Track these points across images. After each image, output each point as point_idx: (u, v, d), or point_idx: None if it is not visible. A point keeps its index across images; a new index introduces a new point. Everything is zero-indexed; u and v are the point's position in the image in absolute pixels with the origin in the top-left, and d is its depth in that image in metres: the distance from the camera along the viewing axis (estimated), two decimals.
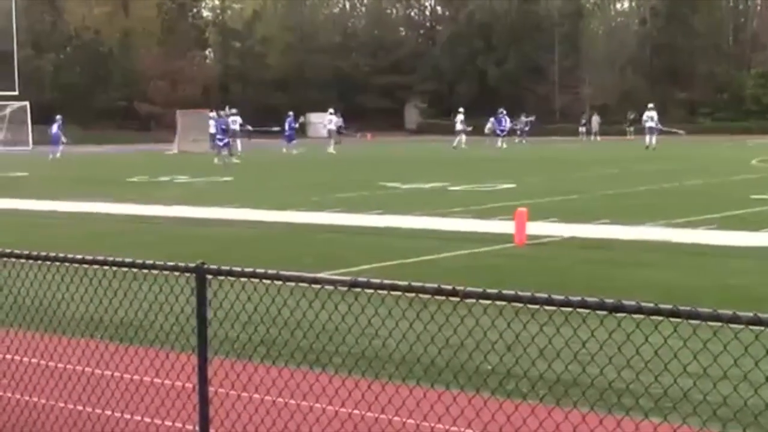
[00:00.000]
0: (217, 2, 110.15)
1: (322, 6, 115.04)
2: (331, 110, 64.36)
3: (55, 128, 57.56)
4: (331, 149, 58.42)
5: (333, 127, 63.06)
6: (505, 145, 62.45)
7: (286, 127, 61.33)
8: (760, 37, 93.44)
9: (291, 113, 62.67)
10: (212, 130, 63.75)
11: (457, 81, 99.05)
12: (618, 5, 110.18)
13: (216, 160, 46.65)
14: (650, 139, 56.66)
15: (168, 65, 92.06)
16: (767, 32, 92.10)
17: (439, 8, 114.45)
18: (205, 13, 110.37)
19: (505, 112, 67.03)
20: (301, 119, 61.51)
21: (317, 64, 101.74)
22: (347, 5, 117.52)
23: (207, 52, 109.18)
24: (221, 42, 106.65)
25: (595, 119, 78.80)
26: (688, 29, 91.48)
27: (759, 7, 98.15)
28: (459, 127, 64.41)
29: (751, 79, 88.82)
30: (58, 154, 55.53)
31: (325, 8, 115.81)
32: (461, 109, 66.21)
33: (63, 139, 57.21)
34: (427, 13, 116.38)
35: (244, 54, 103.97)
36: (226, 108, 54.74)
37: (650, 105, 60.68)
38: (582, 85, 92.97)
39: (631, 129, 78.02)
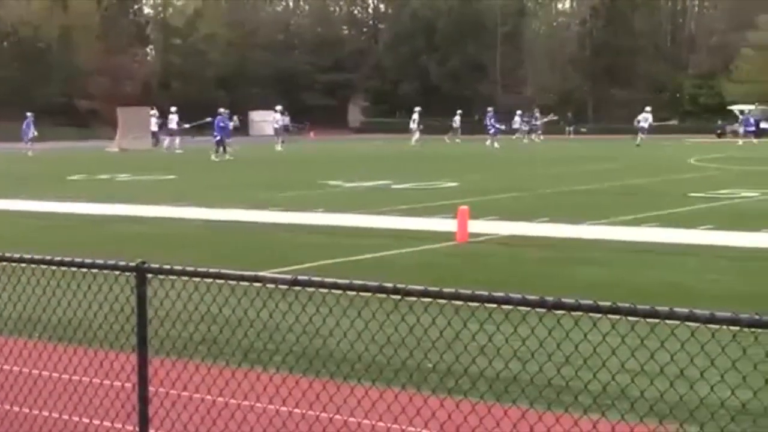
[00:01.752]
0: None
1: (264, 4, 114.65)
2: (279, 108, 64.13)
3: (24, 125, 57.75)
4: (278, 147, 58.26)
5: (279, 125, 62.79)
6: (496, 145, 62.33)
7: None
8: (697, 38, 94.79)
9: (225, 111, 62.45)
10: (154, 128, 63.33)
11: (400, 79, 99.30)
12: (559, 5, 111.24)
13: (213, 157, 46.81)
14: (640, 137, 59.88)
15: (108, 62, 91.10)
16: (704, 34, 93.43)
17: (382, 6, 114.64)
18: (146, 10, 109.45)
19: (492, 111, 67.71)
20: (234, 119, 61.26)
21: (259, 62, 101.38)
22: (290, 3, 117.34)
23: (148, 49, 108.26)
24: (162, 39, 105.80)
25: (520, 117, 79.14)
26: (628, 29, 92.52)
27: (696, 9, 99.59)
28: (413, 125, 64.97)
29: (688, 80, 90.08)
30: (29, 153, 55.27)
31: (268, 6, 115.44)
32: (417, 108, 66.52)
33: (34, 133, 57.67)
34: (370, 11, 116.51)
35: (186, 51, 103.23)
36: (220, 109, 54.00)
37: (647, 108, 63.11)
38: (524, 85, 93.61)
39: (571, 128, 78.67)
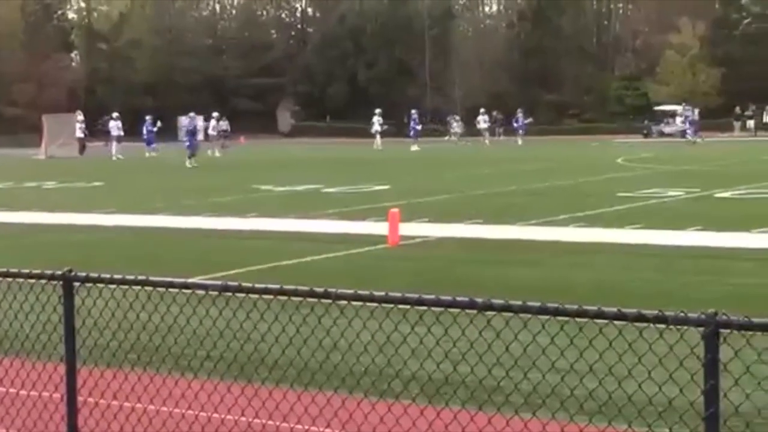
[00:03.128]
0: (82, 4, 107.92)
1: (190, 8, 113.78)
2: (215, 115, 63.63)
3: None
4: (217, 153, 58.03)
5: (214, 132, 62.29)
6: (416, 147, 62.07)
7: (145, 131, 60.70)
8: (622, 40, 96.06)
9: (148, 117, 61.89)
10: (79, 134, 62.42)
11: (329, 83, 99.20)
12: (486, 8, 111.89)
13: (188, 163, 45.69)
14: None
15: (32, 68, 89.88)
16: (629, 35, 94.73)
17: (309, 10, 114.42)
18: (71, 15, 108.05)
19: (416, 113, 67.91)
20: (158, 123, 60.82)
21: (186, 67, 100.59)
22: (217, 7, 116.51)
23: (73, 55, 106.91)
24: (87, 44, 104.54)
25: (457, 120, 79.22)
26: (554, 32, 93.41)
27: (621, 11, 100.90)
28: (376, 128, 64.55)
29: (614, 81, 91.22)
30: None
31: (194, 10, 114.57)
32: (378, 110, 66.15)
33: None
34: (298, 14, 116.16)
35: (112, 57, 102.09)
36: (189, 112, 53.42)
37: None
38: (452, 87, 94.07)
39: (501, 130, 79.13)
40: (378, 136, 63.72)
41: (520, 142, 65.90)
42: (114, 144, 58.29)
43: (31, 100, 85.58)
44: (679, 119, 70.12)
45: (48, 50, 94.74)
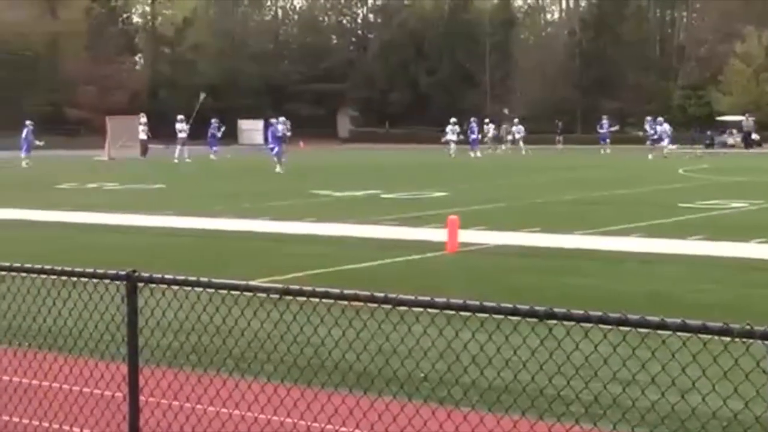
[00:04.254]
0: (147, 8, 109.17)
1: (253, 13, 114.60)
2: (282, 119, 63.93)
3: (24, 133, 57.20)
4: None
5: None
6: (478, 154, 62.26)
7: (210, 133, 61.25)
8: (686, 48, 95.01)
9: (214, 120, 62.33)
10: (142, 136, 63.04)
11: (390, 89, 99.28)
12: (548, 16, 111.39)
13: (279, 169, 44.76)
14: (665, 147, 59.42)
15: (96, 70, 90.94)
16: (693, 44, 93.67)
17: (371, 16, 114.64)
18: (135, 19, 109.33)
19: (474, 120, 67.27)
20: (222, 127, 61.40)
21: (248, 72, 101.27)
22: (279, 13, 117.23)
23: (137, 58, 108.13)
24: (151, 48, 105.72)
25: (518, 129, 78.77)
26: (616, 40, 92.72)
27: (685, 20, 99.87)
28: (450, 137, 63.95)
29: (677, 90, 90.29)
30: (25, 164, 54.79)
31: (257, 15, 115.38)
32: (453, 119, 65.69)
33: (37, 142, 57.28)
34: (359, 21, 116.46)
35: (175, 60, 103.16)
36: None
37: (659, 119, 63.11)
38: (513, 94, 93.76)
39: (560, 138, 78.72)
40: (452, 145, 62.94)
41: (608, 150, 63.65)
42: (178, 147, 58.76)
43: (94, 103, 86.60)
44: (743, 128, 69.43)
45: (112, 53, 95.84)
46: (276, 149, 45.49)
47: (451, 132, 64.35)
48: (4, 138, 76.75)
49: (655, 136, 60.57)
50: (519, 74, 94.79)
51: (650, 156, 55.26)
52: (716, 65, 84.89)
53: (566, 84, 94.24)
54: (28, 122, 58.12)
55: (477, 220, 20.57)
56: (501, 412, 5.54)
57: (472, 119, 68.26)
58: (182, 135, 59.51)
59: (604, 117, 69.16)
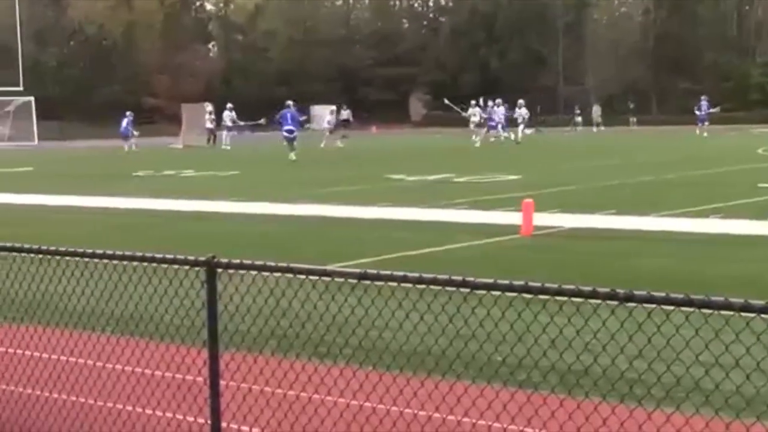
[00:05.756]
0: None
1: None
2: (344, 106, 63.98)
3: (124, 123, 59.30)
4: (338, 143, 58.28)
5: (334, 121, 62.49)
6: (493, 138, 60.52)
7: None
8: (764, 25, 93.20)
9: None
10: (209, 125, 63.57)
11: (461, 72, 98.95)
12: None
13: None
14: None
15: (171, 59, 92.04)
16: None
17: (442, 0, 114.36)
18: (208, 7, 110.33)
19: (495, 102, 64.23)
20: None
21: (320, 58, 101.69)
22: None
23: (210, 46, 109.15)
24: (224, 36, 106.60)
25: (597, 110, 78.34)
26: (691, 18, 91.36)
27: None
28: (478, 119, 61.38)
29: (756, 68, 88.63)
30: (134, 147, 57.03)
31: (328, 1, 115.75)
32: (520, 101, 63.39)
33: (134, 132, 59.26)
34: (430, 4, 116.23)
35: (247, 48, 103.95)
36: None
37: (703, 97, 61.57)
38: (585, 76, 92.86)
39: (634, 119, 77.88)
40: (521, 127, 60.85)
41: (705, 134, 59.60)
42: (225, 133, 59.39)
43: (169, 91, 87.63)
44: None
45: (186, 42, 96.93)
46: (293, 135, 42.98)
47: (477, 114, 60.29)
48: (84, 126, 78.16)
49: (704, 116, 60.25)
50: (591, 55, 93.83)
51: (705, 134, 55.02)
52: None
53: (640, 64, 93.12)
54: (128, 113, 59.83)
55: (551, 203, 20.43)
56: (581, 396, 5.50)
57: (520, 101, 64.92)
58: (228, 123, 60.21)
59: (703, 98, 65.00)
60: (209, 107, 63.83)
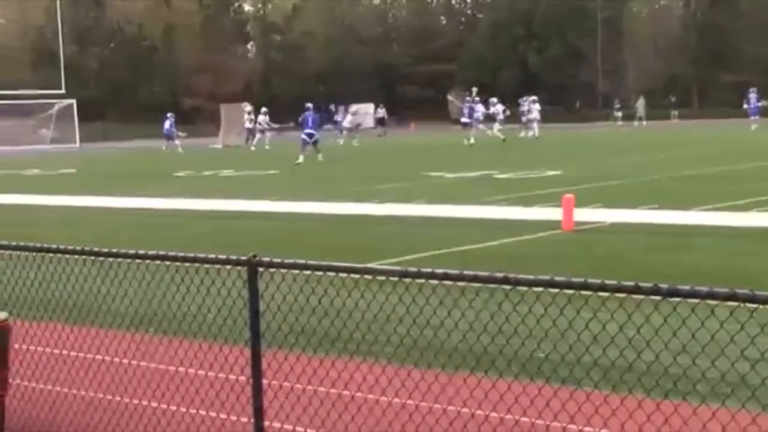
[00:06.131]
0: None
1: None
2: (380, 105, 64.22)
3: (167, 125, 60.10)
4: (354, 143, 58.51)
5: (350, 122, 62.84)
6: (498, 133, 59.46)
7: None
8: None
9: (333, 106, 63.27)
10: (247, 125, 63.89)
11: (499, 69, 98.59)
12: None
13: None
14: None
15: (210, 59, 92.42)
16: None
17: None
18: (247, 7, 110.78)
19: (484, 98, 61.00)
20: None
21: (357, 56, 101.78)
22: None
23: (249, 46, 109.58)
24: (262, 36, 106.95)
25: (641, 103, 77.82)
26: (733, 10, 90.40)
27: None
28: (534, 115, 59.17)
29: None
30: (179, 149, 57.44)
31: (365, 0, 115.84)
32: (533, 97, 62.87)
33: (179, 134, 60.18)
34: (468, 1, 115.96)
35: (285, 48, 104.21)
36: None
37: (752, 89, 60.56)
38: (625, 70, 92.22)
39: (676, 113, 77.27)
40: (535, 124, 58.89)
41: (754, 127, 56.86)
42: (258, 136, 59.86)
43: (208, 91, 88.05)
44: None
45: (224, 42, 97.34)
46: (315, 138, 42.22)
47: (536, 110, 59.55)
48: (125, 127, 78.69)
49: (754, 108, 59.34)
50: (631, 49, 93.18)
51: (753, 127, 54.29)
52: None
53: (681, 58, 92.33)
54: (169, 114, 60.48)
55: (592, 198, 20.33)
56: (624, 392, 5.47)
57: (533, 97, 63.53)
58: (264, 125, 60.63)
59: (752, 90, 62.80)
60: (248, 107, 64.12)
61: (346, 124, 64.12)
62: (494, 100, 59.94)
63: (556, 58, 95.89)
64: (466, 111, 56.18)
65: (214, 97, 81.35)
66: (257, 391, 5.45)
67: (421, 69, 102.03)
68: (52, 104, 75.78)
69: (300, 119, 44.00)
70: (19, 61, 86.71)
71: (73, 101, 74.55)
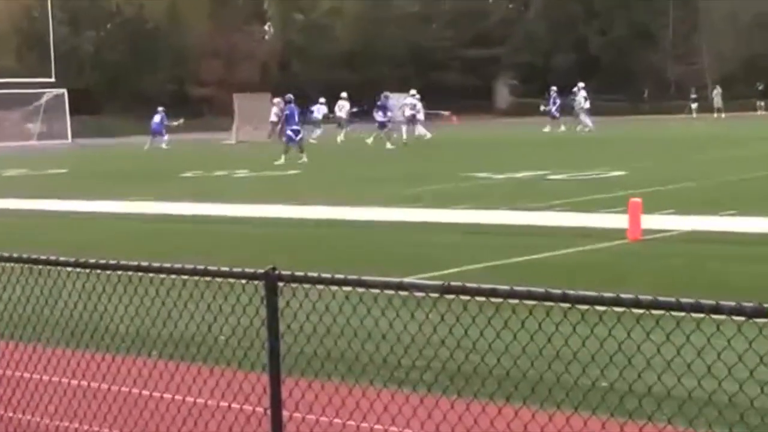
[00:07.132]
0: None
1: None
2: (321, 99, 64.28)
3: (157, 119, 61.09)
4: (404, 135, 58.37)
5: (344, 114, 62.83)
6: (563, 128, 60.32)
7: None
8: None
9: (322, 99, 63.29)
10: (273, 118, 63.95)
11: (554, 53, 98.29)
12: None
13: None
14: None
15: (221, 42, 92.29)
16: None
17: None
18: None
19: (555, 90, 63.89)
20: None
21: (391, 37, 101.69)
22: None
23: (266, 27, 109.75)
24: (281, 15, 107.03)
25: (717, 93, 77.41)
26: None
27: None
28: (582, 104, 60.63)
29: None
30: (164, 145, 58.54)
31: None
32: (555, 89, 63.94)
33: (174, 123, 61.77)
34: None
35: (308, 27, 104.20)
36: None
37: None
38: (700, 53, 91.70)
39: (762, 104, 76.73)
40: (583, 114, 60.21)
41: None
42: (343, 129, 59.82)
43: (220, 78, 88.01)
44: None
45: (238, 22, 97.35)
46: (301, 135, 43.22)
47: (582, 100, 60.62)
48: (123, 120, 78.98)
49: None
50: (707, 29, 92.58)
51: None
52: None
53: (764, 37, 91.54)
54: (160, 108, 60.78)
55: (663, 203, 20.24)
56: (704, 428, 5.42)
57: (552, 87, 64.62)
58: (318, 116, 60.80)
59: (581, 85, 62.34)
60: (278, 99, 64.37)
61: (399, 116, 63.87)
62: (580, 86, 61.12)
63: (621, 39, 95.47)
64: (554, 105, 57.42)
65: (227, 84, 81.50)
66: (277, 425, 5.45)
67: (463, 53, 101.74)
68: (41, 94, 76.16)
69: (286, 113, 44.36)
70: (3, 45, 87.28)
71: (64, 91, 74.91)
